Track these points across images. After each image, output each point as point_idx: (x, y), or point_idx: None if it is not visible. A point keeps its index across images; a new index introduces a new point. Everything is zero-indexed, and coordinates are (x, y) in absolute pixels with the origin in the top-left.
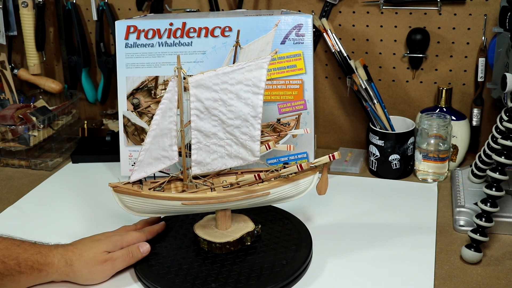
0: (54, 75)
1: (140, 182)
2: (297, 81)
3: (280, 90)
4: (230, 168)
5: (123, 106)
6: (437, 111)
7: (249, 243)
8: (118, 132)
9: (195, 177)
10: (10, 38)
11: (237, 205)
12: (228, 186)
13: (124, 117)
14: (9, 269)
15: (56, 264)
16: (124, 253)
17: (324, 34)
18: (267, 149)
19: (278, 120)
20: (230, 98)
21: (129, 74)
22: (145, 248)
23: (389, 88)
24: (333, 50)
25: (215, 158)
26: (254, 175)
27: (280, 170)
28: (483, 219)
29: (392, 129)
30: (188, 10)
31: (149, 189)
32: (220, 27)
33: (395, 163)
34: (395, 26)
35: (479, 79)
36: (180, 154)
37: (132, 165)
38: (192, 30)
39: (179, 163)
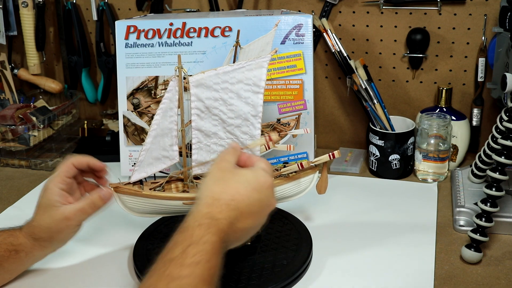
0: (54, 75)
1: (140, 182)
2: (297, 81)
3: (280, 90)
4: None
5: (123, 106)
6: (437, 111)
7: (249, 243)
8: (118, 132)
9: (196, 177)
10: (10, 38)
11: None
12: None
13: (124, 117)
14: None
15: (26, 243)
16: (84, 206)
17: (324, 34)
18: (266, 149)
19: (278, 120)
20: (230, 97)
21: (129, 74)
22: (105, 194)
23: (389, 88)
24: (333, 50)
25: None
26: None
27: (280, 170)
28: (483, 219)
29: (392, 129)
30: (188, 10)
31: (150, 189)
32: (220, 27)
33: (395, 163)
34: (395, 26)
35: (479, 79)
36: (180, 154)
37: (133, 166)
38: (192, 30)
39: (179, 163)
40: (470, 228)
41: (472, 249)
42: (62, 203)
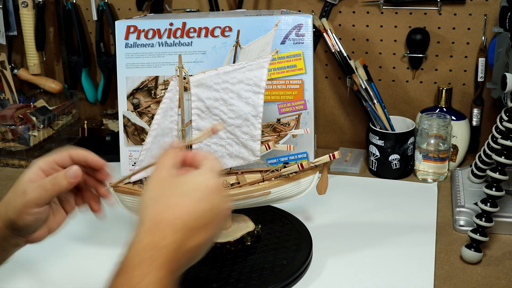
0: (54, 75)
1: (140, 182)
2: (297, 81)
3: (280, 90)
4: (231, 168)
5: (123, 106)
6: (437, 111)
7: (249, 243)
8: (118, 132)
9: None
10: (10, 38)
11: (237, 204)
12: (228, 186)
13: (124, 117)
14: None
15: None
16: (45, 182)
17: (324, 34)
18: (267, 149)
19: (278, 120)
20: (231, 98)
21: (129, 74)
22: (72, 172)
23: (389, 88)
24: (333, 50)
25: None
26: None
27: (280, 170)
28: (483, 219)
29: (392, 129)
30: (188, 10)
31: None
32: (220, 27)
33: (395, 163)
34: (395, 26)
35: (479, 79)
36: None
37: (133, 165)
38: (192, 30)
39: None
40: (470, 228)
41: (472, 249)
42: (31, 179)
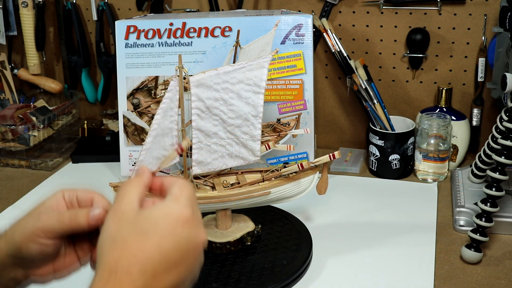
0: (54, 75)
1: None
2: (297, 81)
3: (280, 90)
4: (231, 168)
5: (123, 106)
6: (437, 111)
7: (249, 243)
8: (118, 132)
9: (196, 177)
10: (10, 38)
11: (237, 204)
12: (228, 186)
13: (124, 117)
14: None
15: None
16: (63, 214)
17: (324, 34)
18: (267, 149)
19: (278, 120)
20: (231, 98)
21: (129, 74)
22: (95, 213)
23: (389, 88)
24: (333, 50)
25: (215, 157)
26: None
27: (280, 170)
28: (483, 219)
29: (392, 129)
30: (188, 10)
31: None
32: (220, 27)
33: (395, 163)
34: (395, 26)
35: (479, 79)
36: (181, 153)
37: (133, 165)
38: (192, 30)
39: (179, 163)
40: (470, 228)
41: (472, 249)
42: (51, 206)
